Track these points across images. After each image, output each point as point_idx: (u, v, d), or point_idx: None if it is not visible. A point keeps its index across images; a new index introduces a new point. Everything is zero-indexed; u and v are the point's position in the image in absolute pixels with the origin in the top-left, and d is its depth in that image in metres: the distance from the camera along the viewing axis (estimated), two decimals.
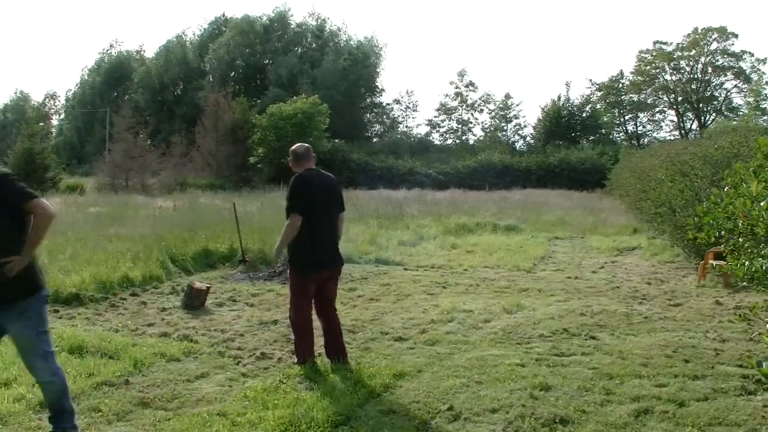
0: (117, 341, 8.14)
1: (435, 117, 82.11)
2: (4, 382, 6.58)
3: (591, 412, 5.86)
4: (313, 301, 7.31)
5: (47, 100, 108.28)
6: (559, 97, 71.87)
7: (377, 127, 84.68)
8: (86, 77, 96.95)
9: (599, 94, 74.34)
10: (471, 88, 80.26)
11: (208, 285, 11.13)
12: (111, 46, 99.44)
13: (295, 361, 7.24)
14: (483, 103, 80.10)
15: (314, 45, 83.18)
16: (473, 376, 6.87)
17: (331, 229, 7.24)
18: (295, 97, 57.02)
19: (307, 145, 7.53)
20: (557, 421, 5.68)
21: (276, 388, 6.51)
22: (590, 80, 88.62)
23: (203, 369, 7.23)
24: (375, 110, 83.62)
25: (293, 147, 7.47)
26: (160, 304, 10.79)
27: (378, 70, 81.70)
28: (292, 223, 6.93)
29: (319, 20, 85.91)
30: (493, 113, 79.78)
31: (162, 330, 9.01)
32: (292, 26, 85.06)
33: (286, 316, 9.27)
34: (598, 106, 73.44)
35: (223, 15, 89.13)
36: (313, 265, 7.09)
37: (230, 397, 6.33)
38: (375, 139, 79.69)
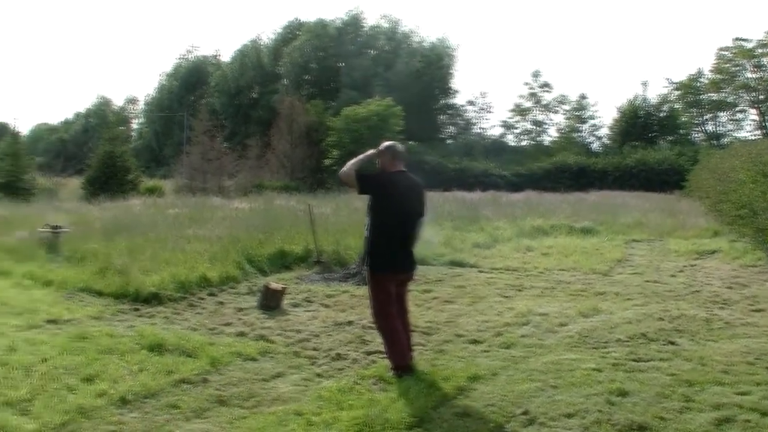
0: (195, 340, 8.28)
1: (509, 118, 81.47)
2: (87, 377, 6.73)
3: (670, 420, 5.74)
4: None
5: (127, 104, 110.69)
6: (635, 97, 70.64)
7: (451, 128, 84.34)
8: (164, 82, 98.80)
9: (677, 93, 72.61)
10: (546, 88, 79.51)
11: (284, 286, 11.24)
12: (188, 51, 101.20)
13: (392, 369, 7.03)
14: (558, 104, 79.26)
15: (387, 47, 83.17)
16: (549, 381, 6.79)
17: (410, 233, 7.16)
18: (368, 100, 57.23)
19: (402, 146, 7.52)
20: (635, 428, 5.57)
21: (350, 388, 6.53)
22: (668, 79, 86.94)
23: (279, 369, 7.31)
24: (449, 112, 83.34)
25: (390, 143, 7.38)
26: (236, 304, 10.94)
27: (451, 71, 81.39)
28: (349, 174, 6.97)
29: (391, 22, 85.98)
30: (567, 114, 78.87)
31: (239, 329, 9.12)
32: (365, 29, 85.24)
33: (361, 317, 9.34)
34: (676, 106, 71.75)
35: (297, 19, 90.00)
36: (390, 267, 7.08)
37: (305, 396, 6.37)
38: (449, 141, 79.42)
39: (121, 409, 5.98)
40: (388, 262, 7.04)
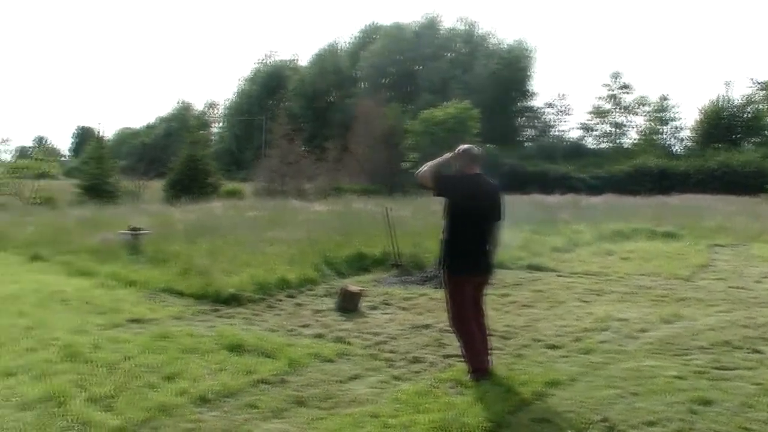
0: (274, 341, 8.36)
1: (588, 120, 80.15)
2: (168, 375, 6.86)
3: (755, 431, 5.58)
4: None
5: (207, 109, 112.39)
6: (718, 98, 68.81)
7: (529, 131, 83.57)
8: (244, 87, 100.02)
9: (762, 93, 70.53)
10: (626, 90, 78.05)
11: (362, 288, 11.27)
12: (266, 56, 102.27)
13: (469, 372, 6.96)
14: (638, 105, 77.71)
15: (464, 50, 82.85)
16: (629, 388, 6.64)
17: (485, 236, 7.10)
18: (446, 103, 57.10)
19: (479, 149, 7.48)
20: None
21: (428, 391, 6.50)
22: (752, 79, 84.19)
23: (356, 370, 7.31)
24: (527, 114, 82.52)
25: (466, 146, 7.33)
26: (315, 305, 11.00)
27: (529, 73, 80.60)
28: (425, 175, 7.04)
29: (468, 25, 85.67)
30: (648, 115, 77.29)
31: (317, 331, 9.17)
32: (442, 32, 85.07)
33: (438, 320, 9.30)
34: (761, 107, 69.74)
35: (374, 23, 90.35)
36: (466, 270, 7.02)
37: (382, 399, 6.36)
38: (527, 144, 78.68)
39: (201, 407, 6.07)
40: (465, 264, 6.99)
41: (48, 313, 9.81)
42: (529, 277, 13.95)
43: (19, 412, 5.84)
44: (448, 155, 7.21)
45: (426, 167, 7.05)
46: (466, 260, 6.97)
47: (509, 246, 15.59)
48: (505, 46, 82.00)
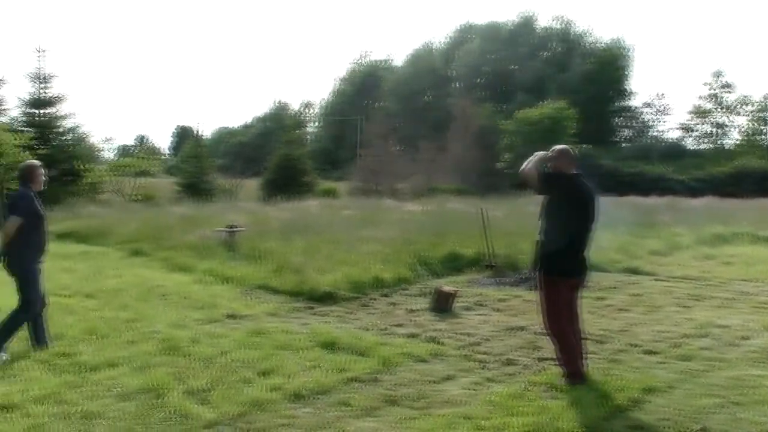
0: (367, 339, 8.39)
1: (688, 120, 77.97)
2: (263, 371, 6.96)
3: None
4: None
5: (303, 109, 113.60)
6: None
7: (626, 131, 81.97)
8: (339, 87, 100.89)
9: None
10: (727, 89, 75.72)
11: (456, 289, 11.21)
12: (361, 56, 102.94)
13: (564, 376, 6.86)
14: (740, 105, 75.31)
15: (560, 49, 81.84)
16: (730, 397, 6.43)
17: (583, 237, 6.98)
18: (541, 102, 56.51)
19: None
20: None
21: (521, 394, 6.43)
22: None
23: (449, 371, 7.27)
24: (624, 114, 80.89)
25: (563, 146, 7.25)
26: (408, 305, 10.99)
27: (627, 72, 79.07)
28: (531, 173, 6.92)
29: (564, 23, 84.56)
30: (751, 115, 74.80)
31: (410, 331, 9.16)
32: (538, 31, 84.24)
33: (532, 322, 9.18)
34: None
35: (469, 22, 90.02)
36: (564, 272, 6.91)
37: (475, 400, 6.31)
38: (624, 145, 77.17)
39: (294, 403, 6.13)
40: (563, 266, 6.88)
41: (148, 307, 10.09)
42: (626, 281, 13.68)
43: (121, 402, 6.01)
44: (545, 153, 7.10)
45: (530, 164, 6.95)
46: (563, 262, 6.86)
47: (606, 248, 15.32)
48: (602, 45, 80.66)
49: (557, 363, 7.06)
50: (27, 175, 7.84)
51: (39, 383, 6.43)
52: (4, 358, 7.29)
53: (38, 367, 7.01)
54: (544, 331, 7.26)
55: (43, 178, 7.98)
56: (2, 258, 7.61)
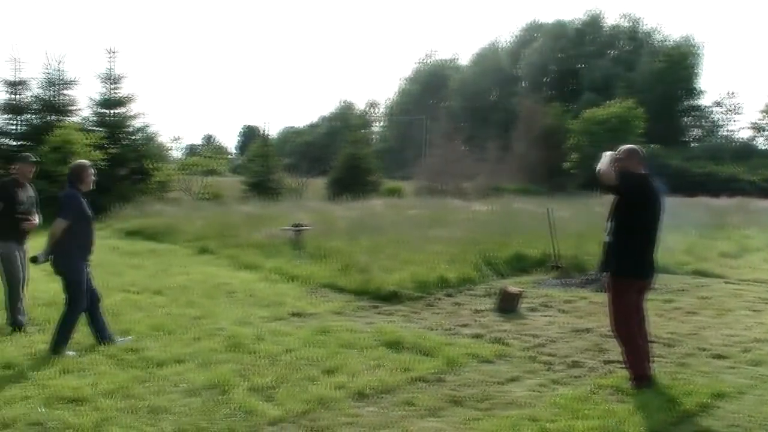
0: (432, 339, 8.37)
1: (760, 120, 76.06)
2: (327, 369, 6.98)
3: None
4: None
5: (369, 108, 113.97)
6: None
7: (696, 131, 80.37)
8: (405, 86, 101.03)
9: None
10: None
11: (521, 289, 11.12)
12: (427, 56, 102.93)
13: (631, 380, 6.76)
14: None
15: (628, 47, 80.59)
16: None
17: (652, 239, 6.84)
18: (609, 102, 55.80)
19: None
20: None
21: (587, 397, 6.34)
22: None
23: (514, 372, 7.21)
24: (693, 113, 79.26)
25: (630, 146, 7.08)
26: (473, 305, 10.93)
27: (696, 70, 77.42)
28: (608, 172, 6.66)
29: (632, 21, 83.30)
30: None
31: (475, 331, 9.11)
32: (605, 29, 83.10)
33: (599, 324, 9.06)
34: None
35: (535, 21, 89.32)
36: (634, 273, 6.78)
37: (540, 402, 6.24)
38: (693, 144, 75.65)
39: (359, 402, 6.14)
40: (631, 267, 6.76)
41: (214, 304, 10.20)
42: (695, 283, 13.40)
43: (186, 398, 6.08)
44: (612, 153, 6.96)
45: (604, 165, 6.82)
46: (634, 263, 6.73)
47: (674, 250, 15.04)
48: (671, 43, 79.12)
49: (624, 366, 6.95)
50: (76, 175, 7.84)
51: (108, 378, 6.55)
52: (71, 354, 7.43)
53: (107, 362, 7.14)
54: (612, 333, 7.15)
55: (92, 179, 8.00)
56: (49, 258, 7.72)
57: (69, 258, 7.63)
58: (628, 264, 6.71)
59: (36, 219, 8.81)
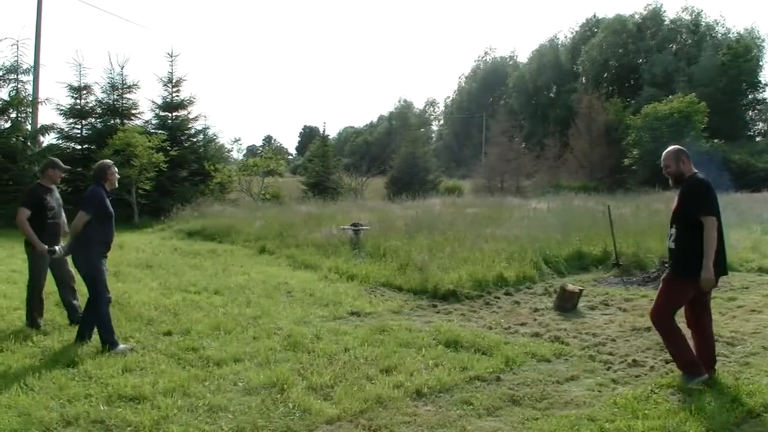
0: (490, 338, 8.32)
1: None
2: (385, 368, 6.98)
3: None
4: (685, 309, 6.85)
5: (427, 107, 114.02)
6: None
7: (760, 125, 78.72)
8: (463, 84, 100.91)
9: None
10: None
11: (581, 288, 11.00)
12: (485, 53, 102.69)
13: (682, 369, 6.65)
14: None
15: (689, 41, 79.27)
16: None
17: (721, 238, 6.63)
18: (670, 96, 54.94)
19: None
20: None
21: (647, 397, 6.24)
22: None
23: (573, 372, 7.14)
24: (758, 107, 77.53)
25: (676, 147, 6.89)
26: (532, 304, 10.87)
27: (761, 63, 75.75)
28: (714, 227, 6.40)
29: (693, 14, 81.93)
30: None
31: (534, 330, 9.04)
32: (666, 23, 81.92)
33: None
34: None
35: (594, 16, 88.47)
36: (696, 272, 6.58)
37: (599, 402, 6.17)
38: (758, 139, 74.09)
39: (416, 401, 6.13)
40: (698, 268, 6.54)
41: (273, 304, 10.27)
42: (759, 281, 13.11)
43: (245, 396, 6.13)
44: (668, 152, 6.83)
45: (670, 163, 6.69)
46: (699, 264, 6.52)
47: (737, 247, 14.75)
48: (734, 36, 77.65)
49: (673, 360, 6.84)
50: (101, 173, 8.05)
51: (167, 376, 6.63)
52: (123, 348, 7.57)
53: (167, 361, 7.23)
54: (652, 324, 7.00)
55: (117, 177, 8.30)
56: (69, 252, 7.93)
57: (87, 254, 7.78)
58: (696, 262, 6.45)
59: (64, 223, 8.99)
